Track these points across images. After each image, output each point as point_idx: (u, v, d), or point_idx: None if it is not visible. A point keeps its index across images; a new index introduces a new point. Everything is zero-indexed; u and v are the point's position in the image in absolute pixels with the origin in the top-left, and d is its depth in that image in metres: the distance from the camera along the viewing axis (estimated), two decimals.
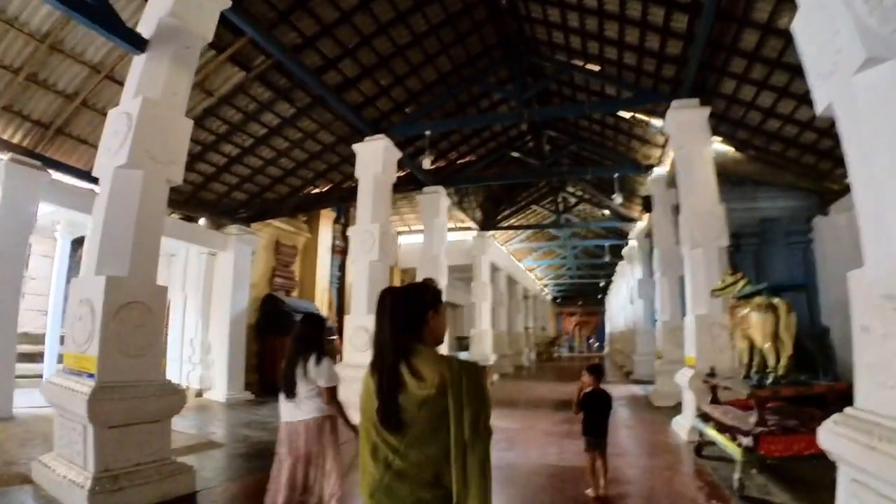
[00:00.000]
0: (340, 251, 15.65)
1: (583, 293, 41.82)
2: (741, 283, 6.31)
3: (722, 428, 5.50)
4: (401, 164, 12.03)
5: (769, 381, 5.15)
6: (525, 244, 22.45)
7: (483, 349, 16.21)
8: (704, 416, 6.23)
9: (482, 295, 16.64)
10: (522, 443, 7.35)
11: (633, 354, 16.52)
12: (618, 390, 13.29)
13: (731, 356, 7.16)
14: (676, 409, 9.54)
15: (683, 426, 7.44)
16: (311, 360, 3.65)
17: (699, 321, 7.36)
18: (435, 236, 12.40)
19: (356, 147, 10.08)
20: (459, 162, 13.75)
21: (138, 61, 5.77)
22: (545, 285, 35.78)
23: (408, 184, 12.94)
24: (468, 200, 16.01)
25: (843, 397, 5.20)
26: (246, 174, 11.44)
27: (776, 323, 5.31)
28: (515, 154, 13.98)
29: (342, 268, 15.77)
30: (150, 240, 5.46)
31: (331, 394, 3.70)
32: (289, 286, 14.53)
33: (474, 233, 17.15)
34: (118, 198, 5.31)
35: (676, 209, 11.53)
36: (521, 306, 25.02)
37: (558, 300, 45.19)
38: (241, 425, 8.92)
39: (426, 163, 9.93)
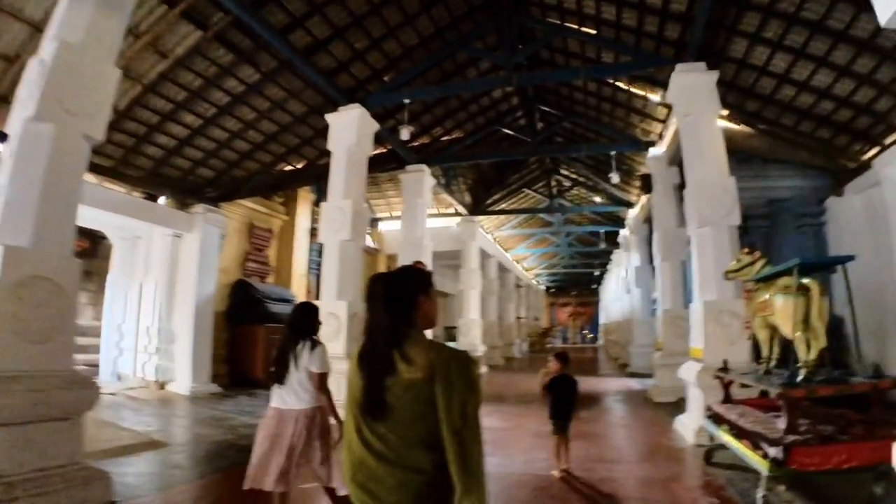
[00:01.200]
0: None
1: (577, 283, 41.06)
2: (759, 264, 5.45)
3: (739, 433, 4.64)
4: (381, 140, 11.18)
5: (800, 377, 4.28)
6: (517, 231, 21.52)
7: (471, 340, 15.36)
8: (716, 417, 5.39)
9: (471, 282, 15.76)
10: (507, 446, 6.49)
11: (629, 346, 15.67)
12: (613, 384, 12.50)
13: (744, 347, 6.36)
14: (678, 406, 8.72)
15: (689, 427, 6.59)
16: (306, 347, 3.65)
17: (708, 308, 6.50)
18: (418, 218, 11.50)
19: (329, 117, 9.20)
20: (445, 139, 12.80)
21: (62, 2, 4.94)
22: (538, 275, 34.93)
23: (389, 162, 12.02)
24: (456, 183, 15.09)
25: (887, 397, 4.40)
26: (211, 148, 10.47)
27: (807, 308, 4.44)
28: (505, 131, 12.99)
29: (321, 253, 14.80)
30: (63, 205, 4.62)
31: (321, 380, 3.68)
32: (263, 272, 13.61)
33: (462, 218, 16.22)
34: (25, 155, 4.51)
35: (679, 188, 10.72)
36: (513, 295, 24.16)
37: (552, 290, 44.40)
38: (198, 422, 8.05)
39: (404, 133, 9.00)
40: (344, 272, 8.39)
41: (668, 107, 10.08)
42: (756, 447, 4.21)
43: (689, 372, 6.66)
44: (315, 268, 14.81)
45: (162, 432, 7.29)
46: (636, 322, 15.04)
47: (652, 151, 10.74)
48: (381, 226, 18.43)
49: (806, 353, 4.38)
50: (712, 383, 6.04)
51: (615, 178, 10.97)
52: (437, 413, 1.60)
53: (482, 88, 10.50)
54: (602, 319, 38.29)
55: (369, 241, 17.70)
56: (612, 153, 11.09)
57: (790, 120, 9.11)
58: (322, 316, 8.04)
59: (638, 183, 14.50)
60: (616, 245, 20.42)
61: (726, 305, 6.46)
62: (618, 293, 22.10)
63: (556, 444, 5.28)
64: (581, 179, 17.22)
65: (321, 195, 14.94)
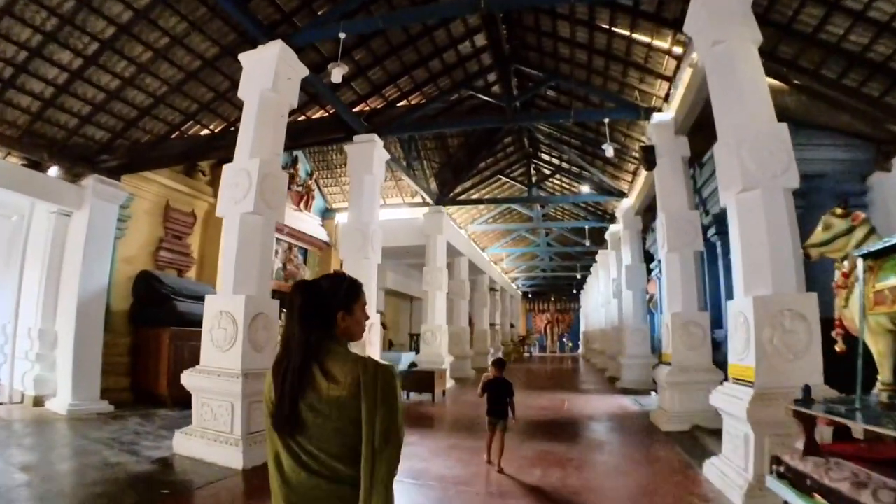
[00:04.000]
0: None
1: (556, 288, 39.10)
2: (862, 231, 3.39)
3: None
4: (319, 99, 9.00)
5: None
6: (491, 226, 19.29)
7: (436, 349, 13.13)
8: (798, 479, 3.26)
9: (436, 283, 13.52)
10: None
11: (619, 357, 13.53)
12: (603, 403, 10.32)
13: (814, 365, 4.29)
14: (694, 437, 6.63)
15: (732, 480, 4.42)
16: None
17: (761, 307, 4.36)
18: (365, 197, 9.27)
19: (242, 57, 7.09)
20: (401, 104, 10.55)
21: None
22: (515, 278, 32.78)
23: (333, 130, 9.79)
24: (420, 167, 12.90)
25: None
26: (98, 99, 8.13)
27: None
28: (479, 97, 10.69)
29: None
30: None
31: None
32: (183, 264, 11.22)
33: (429, 208, 14.01)
34: None
35: (691, 162, 8.69)
36: (487, 300, 21.92)
37: (529, 295, 42.36)
38: (44, 457, 5.82)
39: (336, 74, 6.80)
40: (244, 256, 6.14)
41: (678, 58, 8.05)
42: None
43: (730, 401, 4.52)
44: None
45: None
46: (628, 329, 12.88)
47: (656, 118, 8.66)
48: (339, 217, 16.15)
49: None
50: (773, 419, 3.96)
51: (610, 150, 8.86)
52: (360, 429, 1.56)
53: (441, 14, 8.07)
54: (582, 327, 36.37)
55: (321, 234, 15.39)
56: (606, 120, 8.99)
57: (834, 69, 7.11)
58: (212, 316, 5.92)
59: (631, 168, 12.48)
60: (602, 243, 18.35)
61: (789, 302, 4.35)
62: (603, 297, 19.95)
63: (489, 437, 5.68)
64: (565, 165, 15.10)
65: None
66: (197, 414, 6.09)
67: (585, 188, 14.84)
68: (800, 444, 3.57)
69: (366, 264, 8.89)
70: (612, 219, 15.83)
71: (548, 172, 16.25)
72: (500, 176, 15.82)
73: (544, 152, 15.29)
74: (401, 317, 21.03)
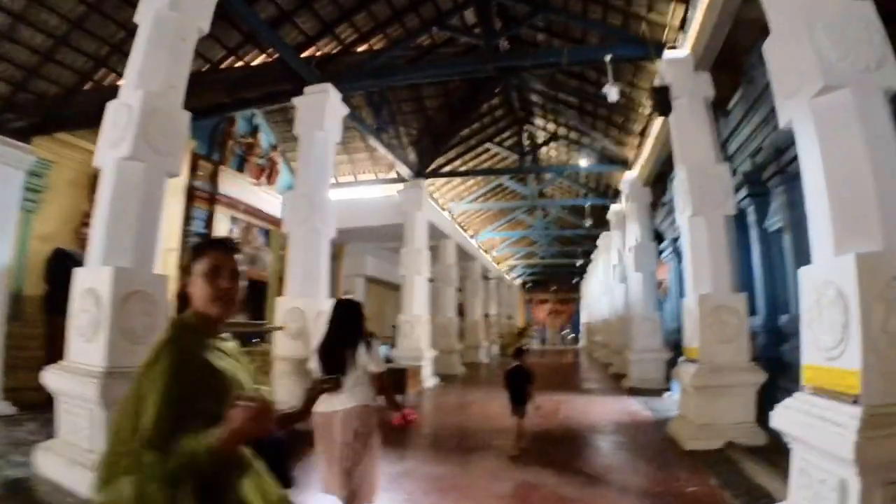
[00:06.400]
0: (207, 198, 10.69)
1: (556, 277, 37.34)
2: None
3: None
4: (257, 40, 7.39)
5: None
6: (481, 205, 17.48)
7: (414, 343, 11.50)
8: None
9: (414, 266, 11.87)
10: None
11: (625, 351, 11.80)
12: (608, 408, 8.60)
13: None
14: (729, 459, 4.98)
15: None
16: (361, 348, 3.21)
17: (869, 273, 2.68)
18: (314, 159, 7.62)
19: None
20: (361, 49, 8.77)
21: None
22: (512, 266, 31.02)
23: (278, 80, 8.12)
24: (393, 133, 11.20)
25: None
26: None
27: None
28: (453, 41, 8.98)
29: (209, 222, 10.82)
30: None
31: (383, 379, 3.34)
32: None
33: (407, 182, 12.36)
34: None
35: (714, 106, 7.01)
36: (480, 289, 20.24)
37: (528, 285, 40.65)
38: None
39: None
40: (118, 216, 4.50)
41: None
42: None
43: (816, 425, 2.78)
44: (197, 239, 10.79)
45: None
46: (636, 319, 11.11)
47: (669, 53, 6.98)
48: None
49: None
50: (893, 457, 2.34)
51: (613, 93, 7.15)
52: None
53: None
54: (583, 318, 34.69)
55: (274, 209, 13.59)
56: (608, 58, 7.28)
57: None
58: (79, 297, 4.48)
59: (638, 129, 10.77)
60: (603, 225, 16.63)
61: None
62: (605, 285, 18.22)
63: (516, 426, 5.59)
64: (561, 131, 13.36)
65: (211, 143, 11.03)
66: (59, 424, 4.57)
67: (585, 161, 13.12)
68: None
69: (314, 238, 7.25)
70: (616, 195, 14.12)
71: (542, 140, 14.48)
72: (488, 145, 14.03)
73: (538, 116, 13.50)
74: (384, 307, 19.39)
